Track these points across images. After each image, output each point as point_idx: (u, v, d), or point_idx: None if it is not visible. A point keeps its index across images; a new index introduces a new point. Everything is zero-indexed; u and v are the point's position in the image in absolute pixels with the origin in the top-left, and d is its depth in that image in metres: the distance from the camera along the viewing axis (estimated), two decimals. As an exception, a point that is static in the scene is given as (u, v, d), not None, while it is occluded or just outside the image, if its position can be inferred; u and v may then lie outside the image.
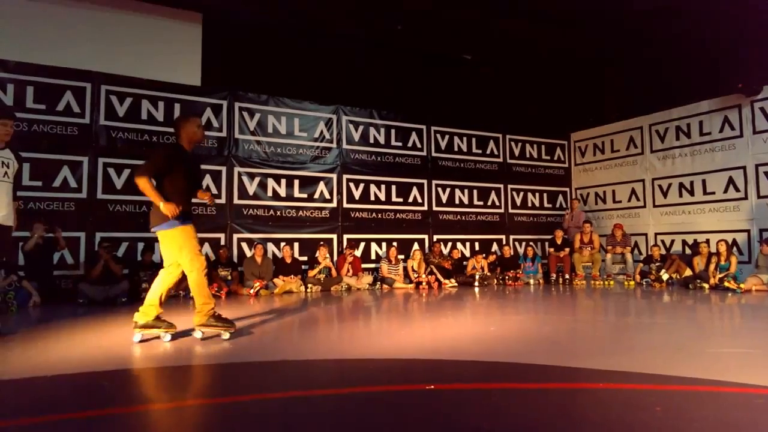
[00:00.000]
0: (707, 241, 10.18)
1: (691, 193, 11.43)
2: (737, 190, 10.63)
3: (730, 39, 10.11)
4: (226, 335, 4.65)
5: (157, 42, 9.67)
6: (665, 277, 10.00)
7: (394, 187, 11.67)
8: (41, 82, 8.67)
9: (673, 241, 11.68)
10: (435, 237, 11.96)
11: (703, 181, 11.22)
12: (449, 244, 12.01)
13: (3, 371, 3.57)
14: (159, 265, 8.53)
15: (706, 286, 9.28)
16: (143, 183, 4.36)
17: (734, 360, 3.71)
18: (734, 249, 10.08)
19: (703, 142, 11.27)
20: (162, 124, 9.51)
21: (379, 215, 11.46)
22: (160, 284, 4.63)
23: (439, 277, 10.70)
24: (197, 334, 4.67)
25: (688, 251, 11.08)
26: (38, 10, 8.80)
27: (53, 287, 8.13)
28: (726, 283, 8.90)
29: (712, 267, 9.40)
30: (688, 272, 9.97)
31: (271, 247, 10.21)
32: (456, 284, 10.69)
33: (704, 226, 11.08)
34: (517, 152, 13.45)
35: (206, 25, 10.09)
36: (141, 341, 4.53)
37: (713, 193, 11.04)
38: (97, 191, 8.93)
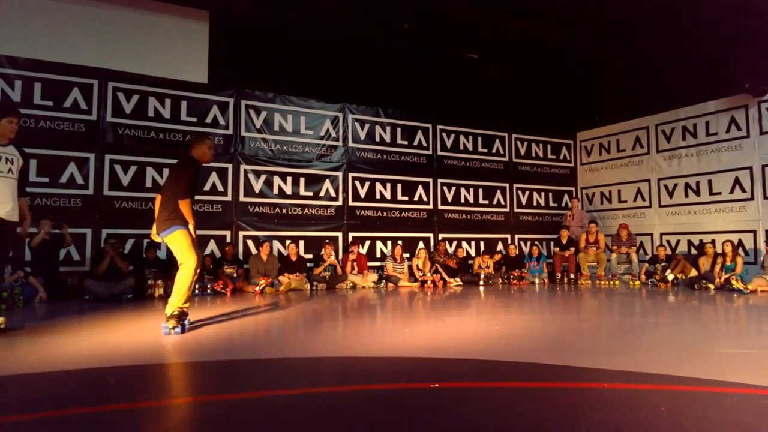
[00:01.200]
0: (713, 242, 10.15)
1: (697, 193, 11.39)
2: (743, 190, 10.59)
3: (737, 39, 10.07)
4: (167, 330, 4.80)
5: (164, 39, 9.70)
6: (670, 277, 9.98)
7: (399, 186, 11.68)
8: (49, 79, 8.71)
9: (678, 242, 11.64)
10: (440, 236, 11.95)
11: (709, 182, 11.18)
12: (454, 243, 12.00)
13: (10, 366, 3.60)
14: (163, 262, 8.70)
15: (712, 286, 9.25)
16: (187, 206, 4.98)
17: (740, 361, 3.70)
18: (740, 250, 10.05)
19: (710, 142, 11.22)
20: (169, 121, 9.55)
21: (385, 214, 11.47)
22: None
23: (444, 275, 10.69)
24: (164, 329, 4.84)
25: (693, 251, 11.04)
26: (46, 8, 8.83)
27: (59, 283, 8.16)
28: (733, 282, 8.86)
29: (717, 267, 9.37)
30: (693, 273, 9.93)
31: (276, 244, 10.22)
32: (461, 283, 10.68)
33: (710, 226, 11.04)
34: (522, 151, 13.43)
35: (213, 23, 10.10)
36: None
37: (719, 193, 10.99)
38: (103, 188, 8.96)
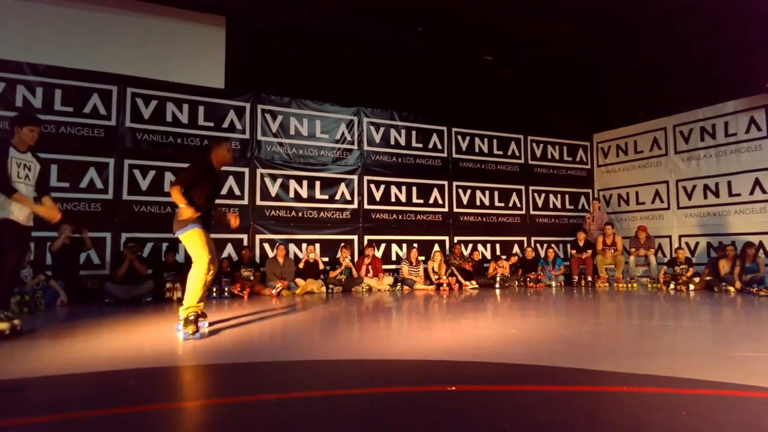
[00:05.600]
0: (733, 243, 10.02)
1: (717, 194, 11.25)
2: (764, 191, 10.44)
3: (755, 38, 9.93)
4: (187, 335, 4.80)
5: (181, 45, 9.81)
6: (690, 286, 9.81)
7: (414, 189, 11.68)
8: (69, 85, 8.84)
9: (697, 244, 11.51)
10: (456, 238, 11.93)
11: (729, 183, 11.03)
12: (470, 246, 11.98)
13: (32, 368, 3.65)
14: (181, 265, 8.79)
15: (732, 289, 9.14)
16: (175, 192, 4.94)
17: (761, 364, 3.66)
18: (761, 251, 9.90)
19: (729, 143, 11.08)
20: (186, 126, 9.65)
21: (400, 216, 11.47)
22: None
23: (460, 278, 10.67)
24: (178, 326, 4.92)
25: (712, 254, 10.90)
26: (66, 15, 8.98)
27: (80, 287, 8.28)
28: (753, 290, 8.75)
29: (737, 270, 9.25)
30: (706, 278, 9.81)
31: (292, 247, 10.27)
32: (477, 286, 10.66)
33: (730, 228, 10.90)
34: (538, 153, 13.36)
35: (230, 29, 10.21)
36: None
37: (739, 194, 10.85)
38: (122, 192, 9.07)
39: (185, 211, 4.89)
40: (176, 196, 4.93)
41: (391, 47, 11.49)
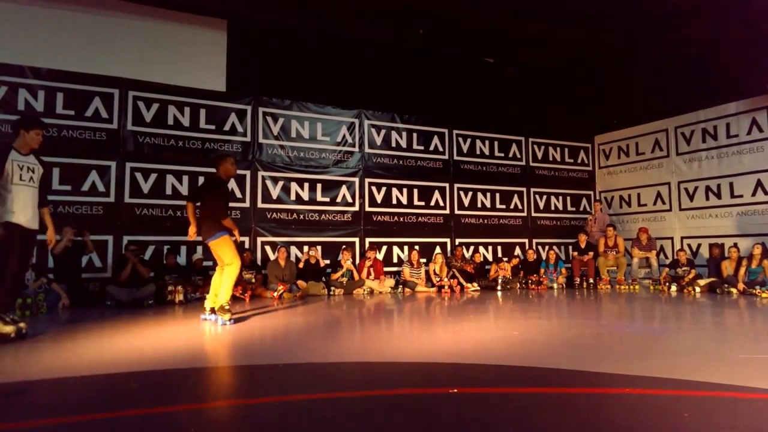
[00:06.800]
0: (736, 245, 10.00)
1: (718, 196, 11.23)
2: (766, 192, 10.42)
3: (757, 39, 9.93)
4: (224, 322, 5.72)
5: (183, 49, 9.82)
6: (674, 287, 9.81)
7: (416, 191, 11.67)
8: (71, 89, 8.85)
9: (699, 245, 11.49)
10: (457, 241, 11.92)
11: (731, 184, 11.01)
12: (471, 248, 11.97)
13: (35, 371, 3.66)
14: (183, 268, 8.83)
15: (735, 291, 9.12)
16: (230, 222, 6.10)
17: (764, 366, 3.65)
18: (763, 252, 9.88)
19: (731, 144, 11.07)
20: (188, 129, 9.66)
21: (401, 219, 11.47)
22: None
23: (462, 280, 10.65)
24: (211, 317, 5.98)
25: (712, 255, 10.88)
26: (68, 18, 9.00)
27: (82, 290, 8.26)
28: (756, 292, 8.74)
29: (742, 270, 9.23)
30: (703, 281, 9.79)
31: (294, 250, 10.27)
32: (478, 288, 10.64)
33: (732, 229, 10.88)
34: (540, 155, 13.35)
35: (231, 32, 10.22)
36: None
37: (741, 196, 10.83)
38: (124, 195, 9.07)
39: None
40: (231, 225, 6.08)
41: (392, 49, 11.49)
